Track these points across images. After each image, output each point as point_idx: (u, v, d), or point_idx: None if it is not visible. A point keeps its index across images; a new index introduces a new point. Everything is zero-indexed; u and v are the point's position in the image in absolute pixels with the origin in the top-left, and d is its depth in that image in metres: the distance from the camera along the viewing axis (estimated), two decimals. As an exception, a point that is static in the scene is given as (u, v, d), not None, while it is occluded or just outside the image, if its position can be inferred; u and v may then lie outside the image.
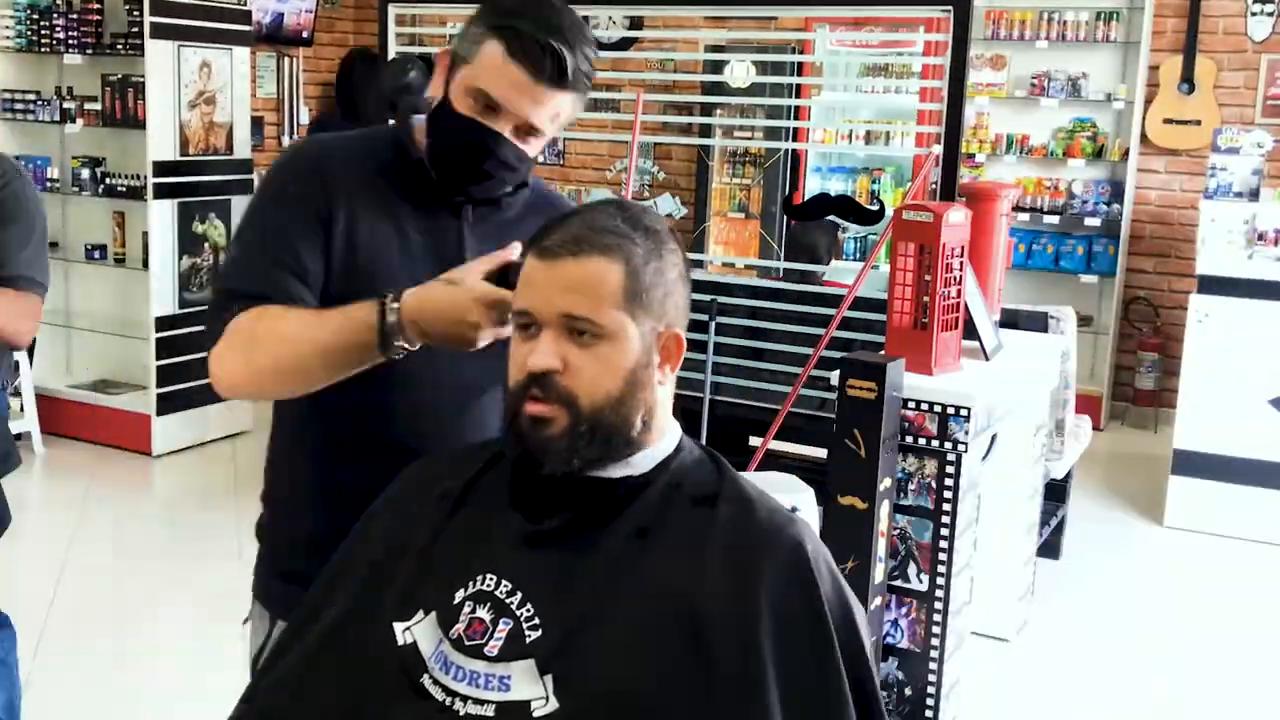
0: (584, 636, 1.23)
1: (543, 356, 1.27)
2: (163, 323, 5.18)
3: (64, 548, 4.23)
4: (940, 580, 3.06)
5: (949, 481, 3.01)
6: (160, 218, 5.15)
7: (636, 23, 7.20)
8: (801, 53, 6.46)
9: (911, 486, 3.05)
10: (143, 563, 4.20)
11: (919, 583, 3.07)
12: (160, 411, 5.20)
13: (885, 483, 2.96)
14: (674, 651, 1.21)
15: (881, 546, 3.00)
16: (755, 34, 6.30)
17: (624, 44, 7.17)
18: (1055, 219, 6.41)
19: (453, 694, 1.24)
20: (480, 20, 1.51)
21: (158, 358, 5.19)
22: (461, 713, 1.22)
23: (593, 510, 1.30)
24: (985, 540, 3.37)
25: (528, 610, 1.25)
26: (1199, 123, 6.11)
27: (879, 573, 3.00)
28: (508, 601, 1.26)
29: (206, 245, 5.34)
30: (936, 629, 3.08)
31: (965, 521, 3.11)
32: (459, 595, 1.29)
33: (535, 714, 1.20)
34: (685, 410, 4.41)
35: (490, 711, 1.22)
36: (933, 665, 3.09)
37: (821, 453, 4.47)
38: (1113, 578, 4.38)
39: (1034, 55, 6.44)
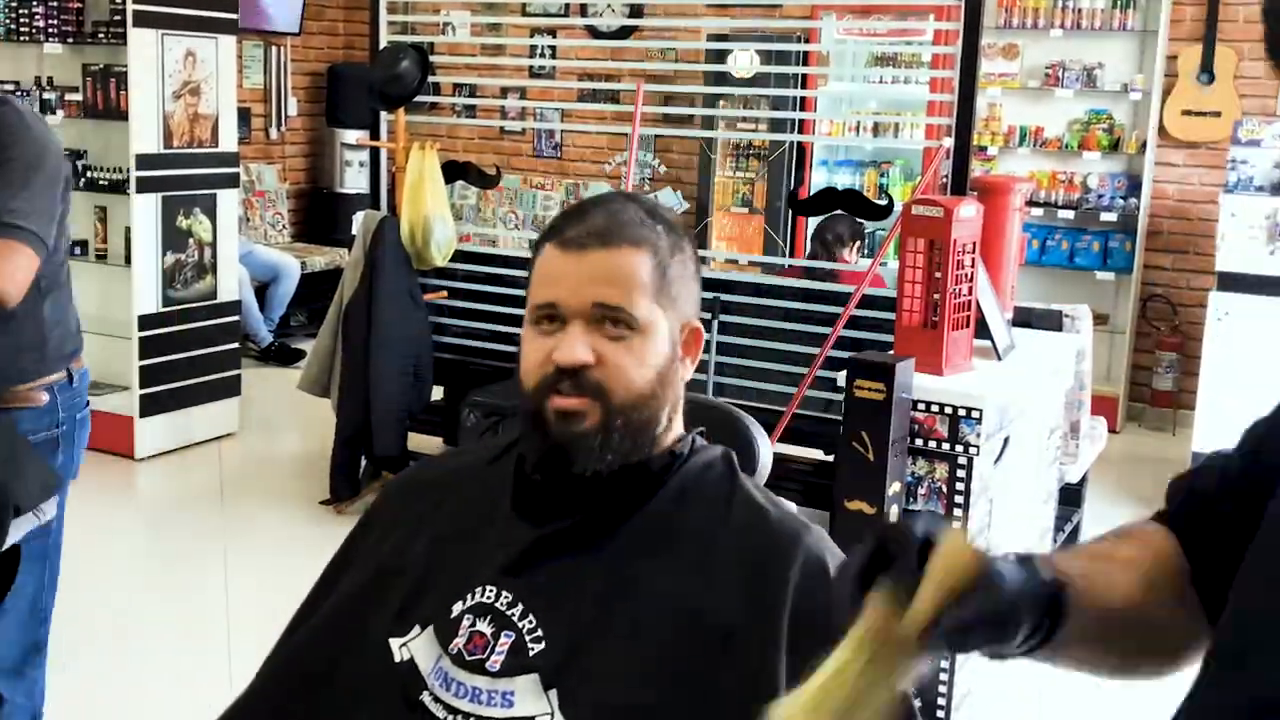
0: (589, 650, 1.22)
1: (575, 350, 1.26)
2: (146, 321, 5.18)
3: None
4: (951, 588, 3.05)
5: (960, 485, 3.01)
6: (143, 213, 5.14)
7: (637, 10, 7.20)
8: (807, 42, 6.46)
9: (921, 491, 3.05)
10: (126, 569, 4.20)
11: (929, 590, 3.07)
12: (143, 413, 5.20)
13: (894, 487, 2.96)
14: (683, 666, 1.20)
15: (890, 553, 3.00)
16: (759, 22, 6.30)
17: (624, 32, 7.17)
18: (1070, 214, 6.41)
19: (453, 710, 1.23)
20: None
21: (141, 358, 5.18)
22: None
23: (600, 514, 1.29)
24: (997, 546, 3.36)
25: (530, 622, 1.24)
26: (1219, 114, 6.10)
27: (887, 580, 3.00)
28: (509, 614, 1.25)
29: (191, 241, 5.33)
30: (947, 638, 3.07)
31: (977, 527, 3.11)
32: (457, 608, 1.28)
33: None
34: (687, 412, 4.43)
35: None
36: (943, 675, 3.09)
37: (827, 456, 4.48)
38: (1129, 585, 4.37)
39: (1048, 44, 6.44)
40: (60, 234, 2.34)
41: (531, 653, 1.23)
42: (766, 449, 1.59)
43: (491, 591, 1.27)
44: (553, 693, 1.20)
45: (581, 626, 1.23)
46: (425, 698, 1.24)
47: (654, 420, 1.30)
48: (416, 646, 1.27)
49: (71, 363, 2.45)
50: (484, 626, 1.25)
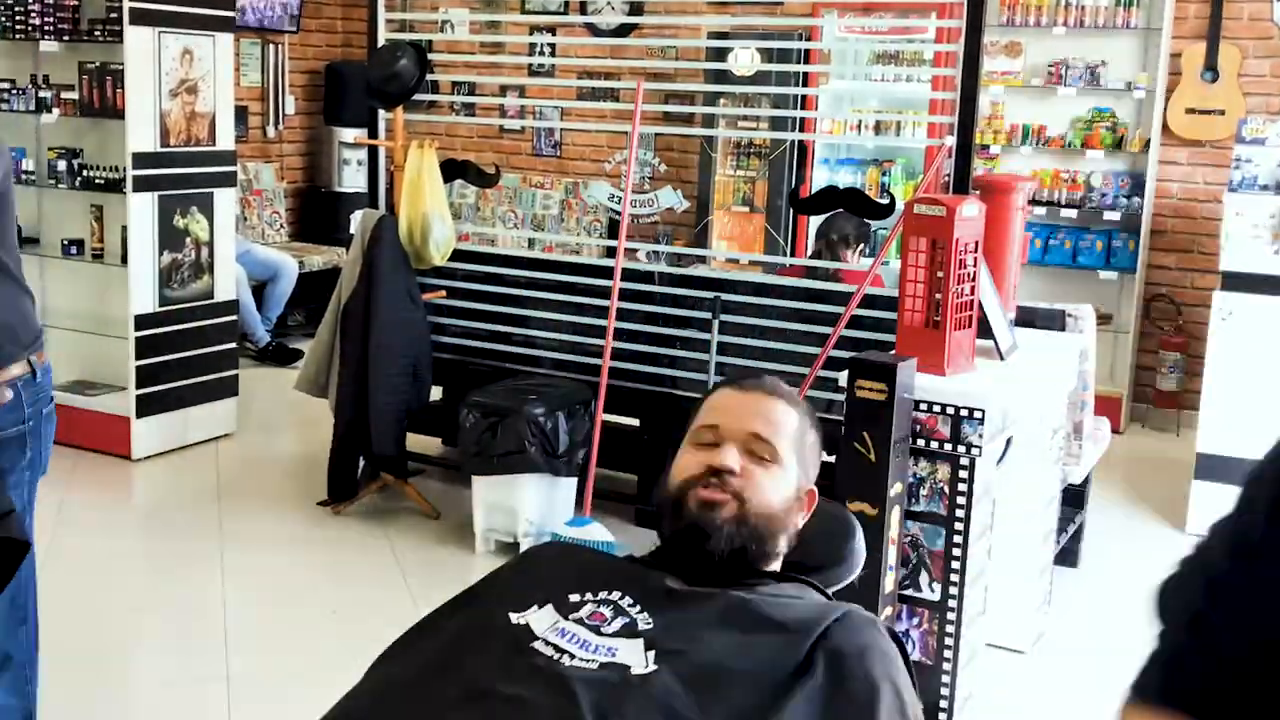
0: (693, 637, 1.46)
1: (729, 458, 1.62)
2: (142, 321, 5.18)
3: (38, 557, 4.22)
4: (953, 590, 3.06)
5: (962, 487, 3.01)
6: (140, 212, 5.14)
7: (636, 8, 7.20)
8: (809, 39, 6.46)
9: (923, 492, 3.05)
10: (121, 571, 4.20)
11: (931, 592, 3.07)
12: (140, 413, 5.20)
13: (896, 488, 2.96)
14: (774, 660, 1.43)
15: (892, 554, 3.00)
16: (760, 20, 6.30)
17: (624, 30, 7.17)
18: (1073, 213, 6.41)
19: (561, 651, 1.44)
20: None
21: (137, 357, 5.18)
22: (566, 663, 1.42)
23: (725, 576, 1.59)
24: (1000, 548, 3.37)
25: (645, 617, 1.49)
26: (1223, 112, 6.10)
27: (889, 582, 3.00)
28: (629, 609, 1.50)
29: (188, 240, 5.33)
30: (949, 640, 3.08)
31: (979, 528, 3.11)
32: (576, 598, 1.52)
33: (634, 672, 1.41)
34: (687, 412, 4.43)
35: (594, 666, 1.42)
36: (945, 678, 3.09)
37: (829, 457, 4.48)
38: (1133, 586, 4.36)
39: (1051, 42, 6.44)
40: (7, 222, 2.38)
41: (640, 628, 1.47)
42: (862, 552, 1.92)
43: (618, 594, 1.53)
44: (651, 652, 1.43)
45: (690, 628, 1.48)
46: (537, 644, 1.46)
47: (773, 536, 1.64)
48: (533, 616, 1.50)
49: (32, 355, 2.49)
50: (605, 610, 1.50)
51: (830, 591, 1.74)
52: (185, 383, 5.35)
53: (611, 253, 4.51)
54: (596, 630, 1.47)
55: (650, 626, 1.47)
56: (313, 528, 4.54)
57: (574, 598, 1.53)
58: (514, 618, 1.50)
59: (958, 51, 3.96)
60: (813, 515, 1.74)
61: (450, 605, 1.64)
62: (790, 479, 1.67)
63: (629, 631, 1.46)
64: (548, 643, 1.45)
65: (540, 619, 1.50)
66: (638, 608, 1.50)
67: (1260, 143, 5.10)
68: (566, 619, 1.49)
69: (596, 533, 4.07)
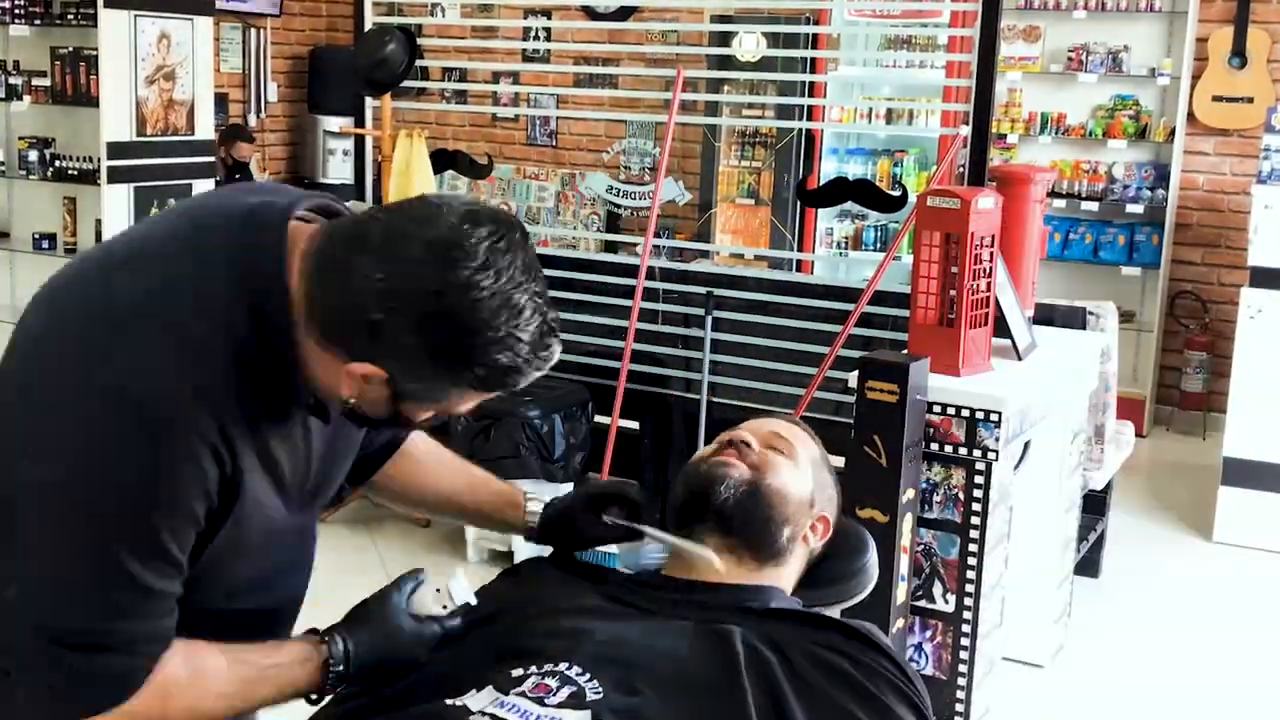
0: (638, 684, 1.42)
1: (747, 436, 1.71)
2: (117, 319, 5.18)
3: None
4: (968, 601, 3.06)
5: (978, 493, 3.01)
6: (115, 204, 5.15)
7: (636, -10, 7.20)
8: (817, 23, 6.46)
9: (937, 498, 3.05)
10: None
11: (945, 603, 3.07)
12: (115, 416, 5.19)
13: (908, 494, 2.96)
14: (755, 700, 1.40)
15: (904, 564, 3.00)
16: (766, 3, 6.30)
17: (623, 14, 7.17)
18: (1094, 205, 6.41)
19: None
20: None
21: (112, 357, 5.18)
22: None
23: (708, 609, 1.58)
24: (1017, 557, 3.37)
25: (595, 685, 1.43)
26: (1251, 100, 6.10)
27: (901, 592, 3.00)
28: (577, 678, 1.44)
29: (165, 234, 5.34)
30: (964, 654, 3.08)
31: (996, 536, 3.11)
32: (519, 672, 1.45)
33: None
34: (686, 414, 4.42)
35: None
36: (960, 693, 3.09)
37: (838, 461, 4.47)
38: (1156, 597, 4.38)
39: (1071, 26, 6.44)
40: None
41: (589, 697, 1.41)
42: (875, 568, 1.92)
43: (564, 664, 1.45)
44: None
45: (643, 682, 1.43)
46: (475, 717, 1.39)
47: (775, 523, 1.67)
48: (470, 699, 1.42)
49: None
50: (551, 681, 1.44)
51: (839, 608, 1.73)
52: (162, 383, 5.34)
53: (610, 247, 4.51)
54: (540, 701, 1.40)
55: (600, 696, 1.41)
56: (296, 536, 4.53)
57: (516, 673, 1.45)
58: (450, 703, 1.43)
59: (973, 36, 3.97)
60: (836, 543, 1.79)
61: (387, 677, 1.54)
62: (805, 483, 1.71)
63: (576, 702, 1.40)
64: (484, 714, 1.38)
65: (478, 701, 1.42)
66: (586, 675, 1.43)
67: (1290, 132, 5.09)
68: (507, 695, 1.42)
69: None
